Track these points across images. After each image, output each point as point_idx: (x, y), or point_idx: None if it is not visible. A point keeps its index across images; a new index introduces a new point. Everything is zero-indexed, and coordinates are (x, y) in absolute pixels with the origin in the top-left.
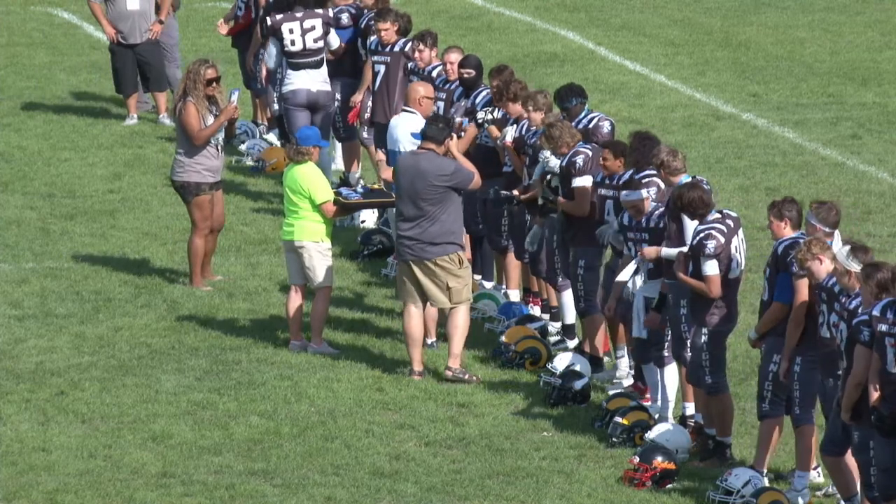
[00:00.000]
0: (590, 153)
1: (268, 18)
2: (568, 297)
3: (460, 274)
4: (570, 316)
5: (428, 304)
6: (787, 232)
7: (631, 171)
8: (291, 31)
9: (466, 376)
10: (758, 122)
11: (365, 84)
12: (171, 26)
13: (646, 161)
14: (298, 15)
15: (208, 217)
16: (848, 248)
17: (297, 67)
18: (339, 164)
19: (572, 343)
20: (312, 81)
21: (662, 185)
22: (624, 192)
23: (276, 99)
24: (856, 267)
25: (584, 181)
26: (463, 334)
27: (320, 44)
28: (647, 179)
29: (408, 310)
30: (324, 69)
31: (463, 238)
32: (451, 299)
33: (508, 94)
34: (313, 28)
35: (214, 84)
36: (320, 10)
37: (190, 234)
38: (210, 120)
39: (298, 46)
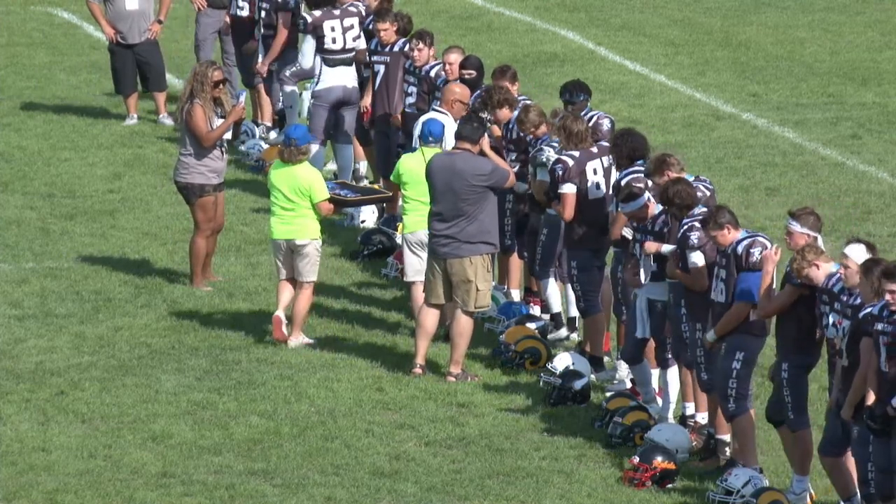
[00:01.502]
0: (570, 162)
1: (306, 16)
2: (551, 287)
3: (489, 278)
4: (556, 305)
5: (411, 292)
6: (734, 235)
7: (624, 173)
8: (333, 30)
9: (469, 378)
10: (758, 122)
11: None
12: (207, 25)
13: (623, 157)
14: (336, 13)
15: (211, 218)
16: (863, 246)
17: (332, 65)
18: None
19: (563, 331)
20: (346, 78)
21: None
22: (622, 206)
23: (281, 98)
24: None
25: (566, 188)
26: (467, 342)
27: (357, 43)
28: (633, 177)
29: (427, 309)
30: (353, 66)
31: (497, 238)
32: (477, 302)
33: (493, 102)
34: (352, 27)
35: (221, 86)
36: (354, 9)
37: (192, 235)
38: (216, 122)
39: (339, 45)
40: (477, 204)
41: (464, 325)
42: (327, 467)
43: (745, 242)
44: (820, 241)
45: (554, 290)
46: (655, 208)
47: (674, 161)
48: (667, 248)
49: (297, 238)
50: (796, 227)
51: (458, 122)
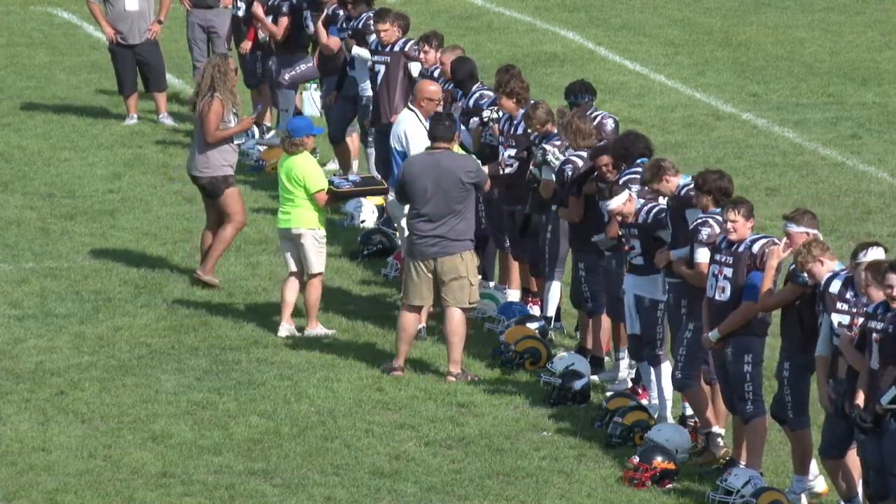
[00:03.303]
0: (580, 163)
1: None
2: (554, 288)
3: (476, 272)
4: (552, 308)
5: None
6: (748, 233)
7: (624, 173)
8: None
9: (469, 378)
10: (758, 122)
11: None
12: (193, 25)
13: (629, 157)
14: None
15: (243, 206)
16: (881, 249)
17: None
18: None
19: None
20: None
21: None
22: (602, 203)
23: (282, 98)
24: None
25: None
26: (463, 340)
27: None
28: (628, 177)
29: (407, 310)
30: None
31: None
32: (471, 297)
33: (506, 89)
34: None
35: (234, 75)
36: None
37: (225, 225)
38: (231, 119)
39: None
40: (464, 202)
41: (457, 324)
42: (327, 467)
43: (761, 242)
44: (819, 238)
45: (556, 293)
46: (636, 203)
47: (669, 165)
48: (675, 254)
49: (293, 227)
50: (794, 227)
51: (428, 119)
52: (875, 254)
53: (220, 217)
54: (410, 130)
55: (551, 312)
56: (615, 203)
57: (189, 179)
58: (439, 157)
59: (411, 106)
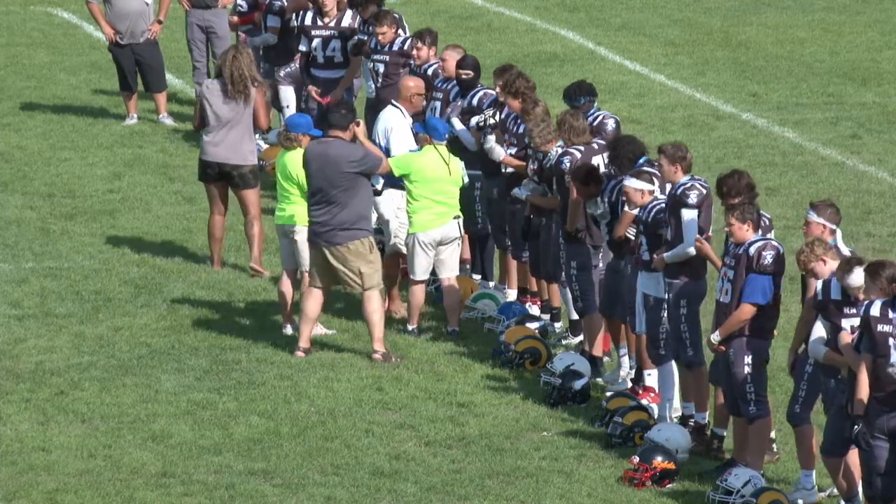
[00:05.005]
0: (578, 155)
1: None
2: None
3: (372, 259)
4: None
5: (413, 291)
6: (749, 236)
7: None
8: None
9: (393, 358)
10: (758, 122)
11: (344, 84)
12: (192, 25)
13: (626, 160)
14: None
15: None
16: (861, 270)
17: None
18: None
19: (577, 339)
20: None
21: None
22: (627, 179)
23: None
24: None
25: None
26: (381, 318)
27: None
28: (645, 168)
29: (310, 291)
30: None
31: (372, 224)
32: (364, 284)
33: (511, 89)
34: None
35: None
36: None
37: (251, 221)
38: None
39: None
40: (349, 191)
41: (371, 305)
42: (327, 467)
43: (758, 244)
44: (839, 235)
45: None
46: (648, 198)
47: (689, 158)
48: (671, 255)
49: (287, 223)
50: (814, 216)
51: (413, 115)
52: (856, 275)
53: (225, 207)
54: (392, 126)
55: (576, 316)
56: (637, 184)
57: (187, 178)
58: (328, 147)
59: (395, 102)
